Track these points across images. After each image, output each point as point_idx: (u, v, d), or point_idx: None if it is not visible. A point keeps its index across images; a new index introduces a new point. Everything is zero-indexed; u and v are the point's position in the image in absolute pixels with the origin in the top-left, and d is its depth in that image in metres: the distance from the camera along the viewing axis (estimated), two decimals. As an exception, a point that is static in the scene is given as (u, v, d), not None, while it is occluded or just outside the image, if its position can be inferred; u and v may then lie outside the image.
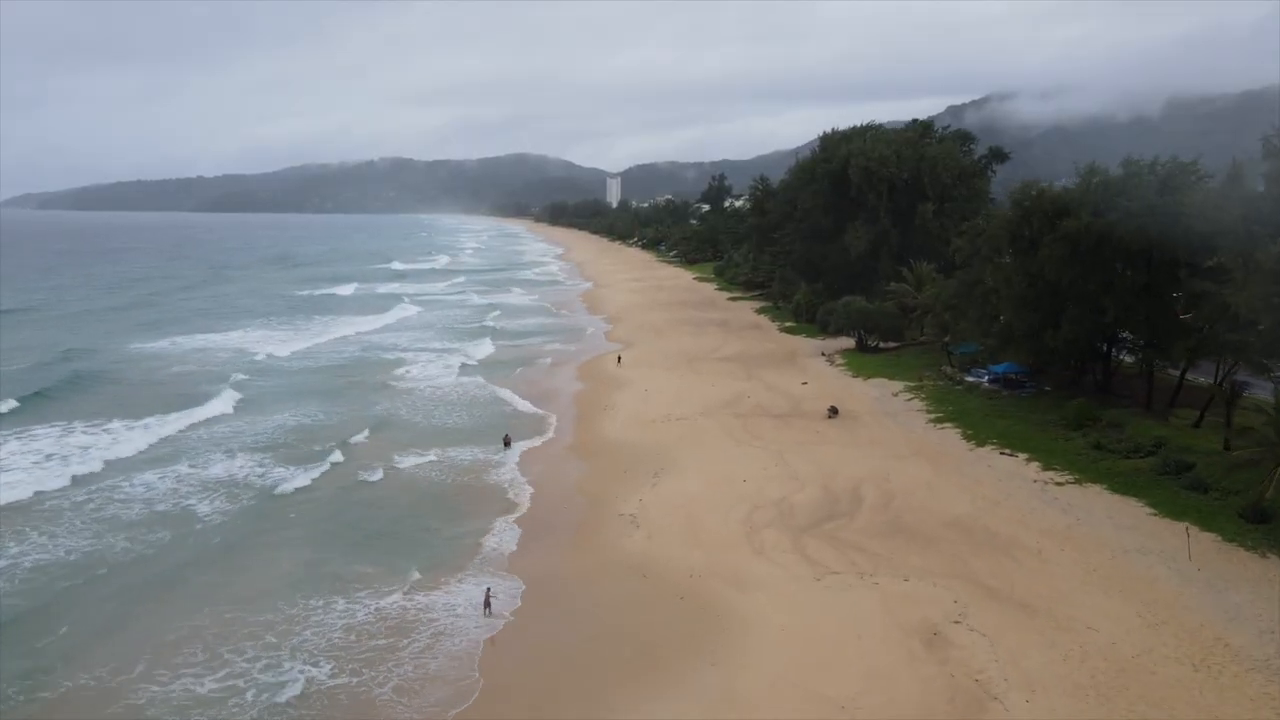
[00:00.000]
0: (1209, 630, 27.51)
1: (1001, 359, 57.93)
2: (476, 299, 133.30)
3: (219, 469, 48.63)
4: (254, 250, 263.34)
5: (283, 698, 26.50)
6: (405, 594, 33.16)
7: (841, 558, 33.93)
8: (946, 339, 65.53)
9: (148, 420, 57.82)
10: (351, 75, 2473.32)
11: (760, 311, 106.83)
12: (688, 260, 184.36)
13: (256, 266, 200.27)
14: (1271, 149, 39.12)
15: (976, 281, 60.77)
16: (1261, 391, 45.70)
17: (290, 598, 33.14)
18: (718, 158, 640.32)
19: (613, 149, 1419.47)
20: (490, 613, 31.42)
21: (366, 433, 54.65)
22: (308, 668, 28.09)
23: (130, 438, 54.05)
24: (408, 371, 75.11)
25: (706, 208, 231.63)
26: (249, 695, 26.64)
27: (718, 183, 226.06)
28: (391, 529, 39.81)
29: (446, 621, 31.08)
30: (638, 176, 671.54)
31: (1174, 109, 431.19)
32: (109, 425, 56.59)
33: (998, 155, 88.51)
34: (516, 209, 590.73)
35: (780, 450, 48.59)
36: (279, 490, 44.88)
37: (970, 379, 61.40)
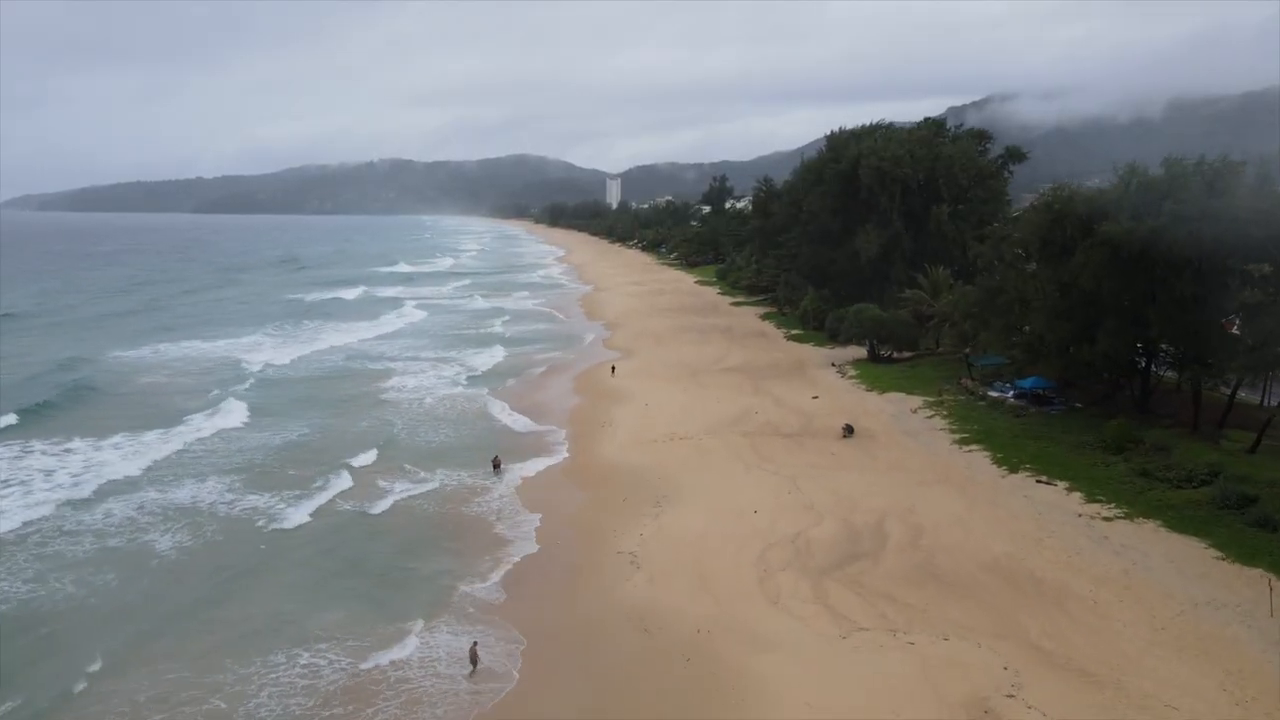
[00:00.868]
0: (1307, 708, 23.49)
1: (1029, 373, 53.86)
2: (476, 304, 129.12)
3: (185, 494, 44.62)
4: (258, 252, 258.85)
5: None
6: (380, 647, 29.21)
7: (869, 609, 29.88)
8: (967, 350, 61.51)
9: (118, 438, 54.02)
10: (351, 76, 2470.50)
11: (765, 318, 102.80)
12: (689, 263, 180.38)
13: (262, 269, 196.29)
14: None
15: (1000, 289, 56.78)
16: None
17: (245, 654, 29.14)
18: (718, 158, 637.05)
19: (612, 150, 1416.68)
20: (476, 671, 27.48)
21: (350, 454, 50.58)
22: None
23: (101, 460, 50.09)
24: (401, 383, 70.92)
25: (707, 209, 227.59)
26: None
27: (719, 183, 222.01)
28: (365, 569, 35.76)
29: (427, 685, 27.10)
30: (638, 177, 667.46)
31: (1175, 110, 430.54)
32: (71, 445, 52.70)
33: (1015, 155, 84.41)
34: (516, 210, 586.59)
35: (793, 475, 44.53)
36: (245, 523, 40.83)
37: (993, 393, 57.34)
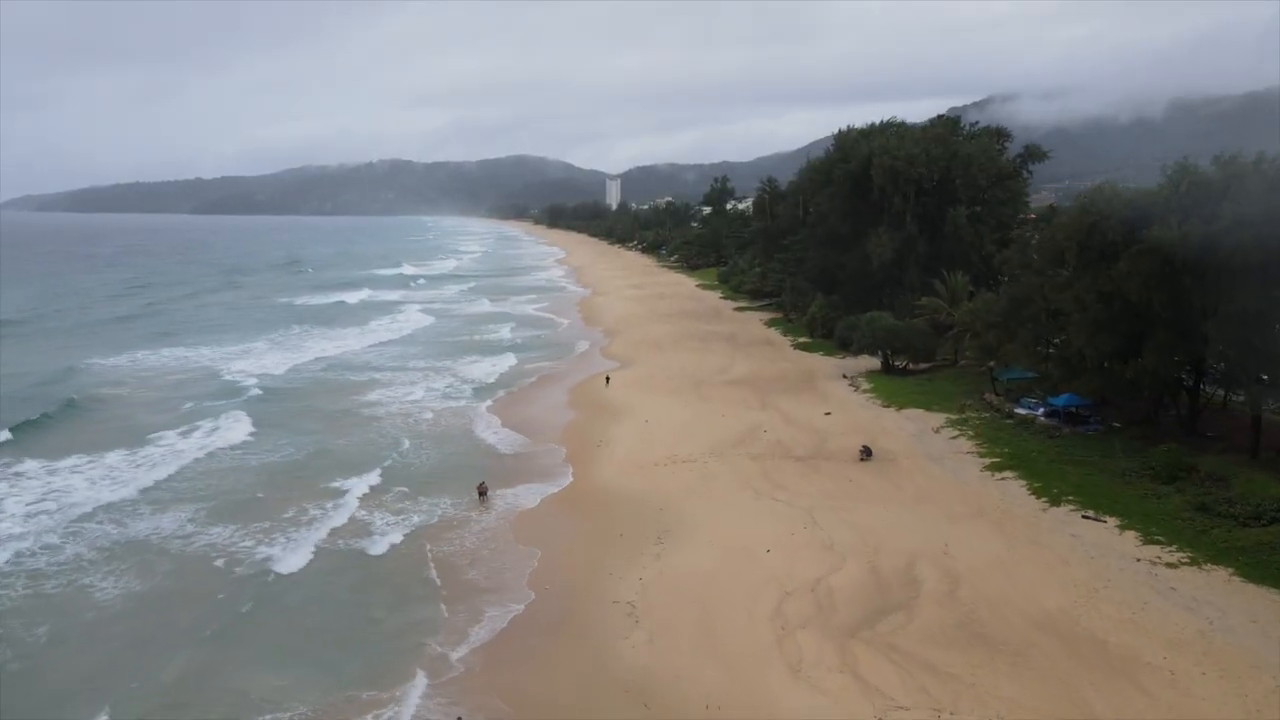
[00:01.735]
0: None
1: (1064, 389, 49.46)
2: (475, 308, 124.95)
3: (144, 527, 40.43)
4: (260, 254, 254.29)
5: None
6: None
7: (907, 681, 25.51)
8: (991, 363, 57.12)
9: (73, 460, 49.87)
10: (351, 76, 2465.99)
11: (770, 324, 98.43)
12: (690, 266, 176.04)
13: (264, 271, 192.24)
14: None
15: (1027, 298, 52.47)
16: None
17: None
18: (718, 159, 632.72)
19: (612, 151, 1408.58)
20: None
21: (330, 479, 46.35)
22: None
23: (65, 488, 45.82)
24: (389, 395, 66.58)
25: (708, 210, 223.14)
26: None
27: (720, 184, 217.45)
28: (321, 621, 31.43)
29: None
30: (637, 178, 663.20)
31: (1176, 111, 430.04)
32: (24, 467, 48.55)
33: (1034, 154, 79.88)
34: (515, 211, 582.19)
35: (809, 507, 40.18)
36: (200, 564, 36.53)
37: (1021, 411, 52.96)
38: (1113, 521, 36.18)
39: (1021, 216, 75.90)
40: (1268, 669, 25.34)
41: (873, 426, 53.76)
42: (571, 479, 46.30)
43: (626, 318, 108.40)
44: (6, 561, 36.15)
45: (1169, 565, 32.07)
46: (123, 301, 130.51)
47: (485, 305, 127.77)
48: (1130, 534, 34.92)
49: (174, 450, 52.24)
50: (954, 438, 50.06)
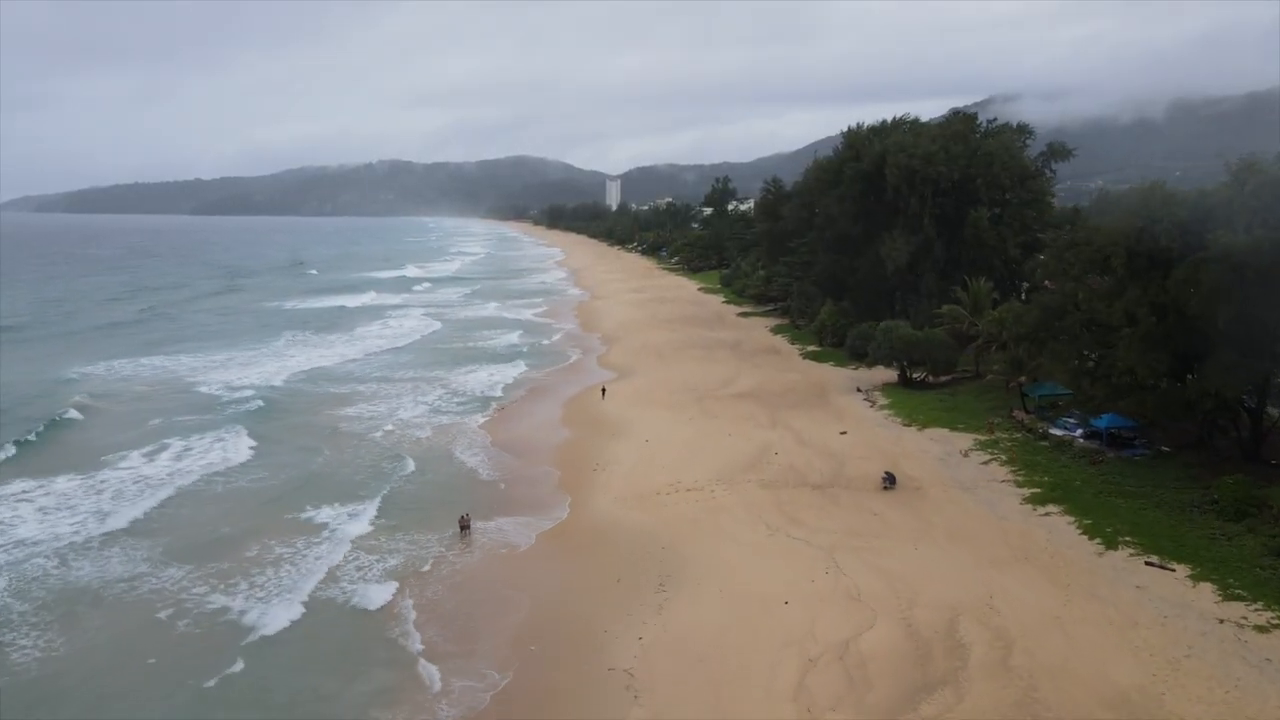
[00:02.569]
0: None
1: (1107, 408, 44.88)
2: (473, 312, 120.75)
3: (85, 570, 35.97)
4: (262, 255, 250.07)
5: None
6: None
7: (964, 786, 20.98)
8: (1021, 379, 52.55)
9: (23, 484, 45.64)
10: (350, 77, 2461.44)
11: (777, 331, 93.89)
12: (691, 268, 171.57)
13: (268, 274, 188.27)
14: None
15: (1063, 308, 47.90)
16: None
17: None
18: (718, 160, 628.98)
19: (612, 151, 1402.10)
20: None
21: (295, 511, 41.95)
22: None
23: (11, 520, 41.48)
24: (372, 410, 62.23)
25: (709, 211, 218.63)
26: None
27: (721, 184, 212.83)
28: (258, 694, 26.86)
29: None
30: (637, 179, 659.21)
31: (1178, 111, 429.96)
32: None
33: (1058, 152, 75.24)
34: (514, 212, 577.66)
35: (830, 546, 35.66)
36: (133, 616, 32.03)
37: (1056, 431, 48.41)
38: (1182, 570, 31.56)
39: (1048, 219, 71.12)
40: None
41: (894, 449, 49.24)
42: (565, 511, 41.74)
43: (626, 323, 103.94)
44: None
45: (1258, 629, 27.46)
46: (121, 305, 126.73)
47: (484, 310, 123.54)
48: (1205, 586, 30.31)
49: (140, 475, 48.02)
50: (985, 462, 45.48)
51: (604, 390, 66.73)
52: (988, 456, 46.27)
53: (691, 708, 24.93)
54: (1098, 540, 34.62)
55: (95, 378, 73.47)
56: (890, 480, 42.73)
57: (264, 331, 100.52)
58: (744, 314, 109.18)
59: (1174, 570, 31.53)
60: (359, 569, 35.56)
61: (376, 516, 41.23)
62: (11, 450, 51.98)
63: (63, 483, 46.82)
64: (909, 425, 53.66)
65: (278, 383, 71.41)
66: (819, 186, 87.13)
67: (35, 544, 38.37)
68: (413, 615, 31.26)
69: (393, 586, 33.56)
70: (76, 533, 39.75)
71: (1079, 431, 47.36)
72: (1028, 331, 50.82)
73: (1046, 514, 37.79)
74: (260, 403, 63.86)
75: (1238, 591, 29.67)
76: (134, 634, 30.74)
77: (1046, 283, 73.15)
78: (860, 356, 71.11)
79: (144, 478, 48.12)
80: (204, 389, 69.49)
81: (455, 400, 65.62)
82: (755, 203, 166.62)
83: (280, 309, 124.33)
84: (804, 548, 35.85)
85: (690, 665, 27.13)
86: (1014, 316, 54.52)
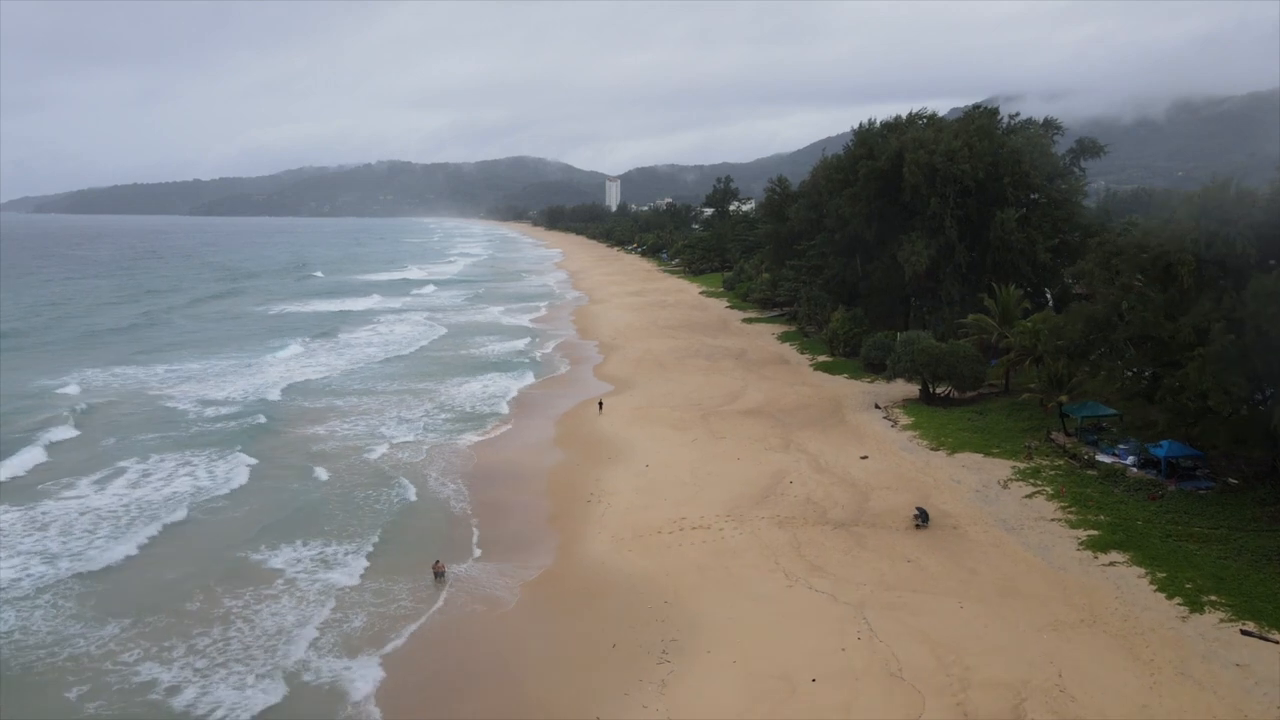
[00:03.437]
0: None
1: (1168, 435, 39.82)
2: (470, 317, 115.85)
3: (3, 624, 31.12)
4: (267, 257, 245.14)
5: None
6: None
7: None
8: (1062, 398, 47.45)
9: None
10: (349, 78, 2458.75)
11: (784, 339, 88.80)
12: (692, 270, 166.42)
13: (271, 276, 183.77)
14: None
15: (1110, 320, 42.89)
16: None
17: None
18: (718, 160, 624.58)
19: (612, 152, 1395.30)
20: None
21: (253, 552, 37.01)
22: None
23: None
24: (345, 429, 57.18)
25: (710, 211, 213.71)
26: None
27: (723, 185, 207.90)
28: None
29: None
30: (637, 180, 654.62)
31: (1179, 111, 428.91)
32: None
33: (1089, 149, 69.95)
34: (514, 213, 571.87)
35: (860, 602, 30.66)
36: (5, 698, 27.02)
37: (1103, 458, 43.34)
38: (1287, 640, 26.54)
39: (1079, 220, 66.01)
40: None
41: (922, 477, 44.20)
42: (553, 555, 36.70)
43: (625, 330, 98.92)
44: None
45: (1402, 728, 22.44)
46: (119, 310, 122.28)
47: (484, 314, 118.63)
48: (1321, 665, 25.28)
49: (89, 507, 43.25)
50: (1029, 496, 40.37)
51: (601, 404, 61.89)
52: (1030, 488, 41.18)
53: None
54: (1178, 600, 29.52)
55: (65, 394, 67.92)
56: (923, 518, 37.70)
57: (264, 338, 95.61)
58: (749, 320, 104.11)
59: (1274, 640, 26.47)
60: (315, 634, 30.41)
61: (342, 562, 36.24)
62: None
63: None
64: (937, 449, 48.58)
65: (272, 396, 66.25)
66: (829, 186, 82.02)
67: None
68: (376, 713, 26.01)
69: (349, 664, 28.39)
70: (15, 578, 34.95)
71: (1130, 459, 42.30)
72: (1069, 346, 45.79)
73: (1111, 563, 32.67)
74: (244, 421, 58.87)
75: (1363, 673, 24.62)
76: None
77: (1077, 289, 68.68)
78: (877, 369, 66.17)
79: (92, 509, 43.29)
80: (175, 404, 64.58)
81: (444, 416, 60.59)
82: (759, 203, 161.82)
83: (284, 313, 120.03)
84: (829, 604, 30.83)
85: (701, 770, 22.13)
86: (1051, 328, 49.46)
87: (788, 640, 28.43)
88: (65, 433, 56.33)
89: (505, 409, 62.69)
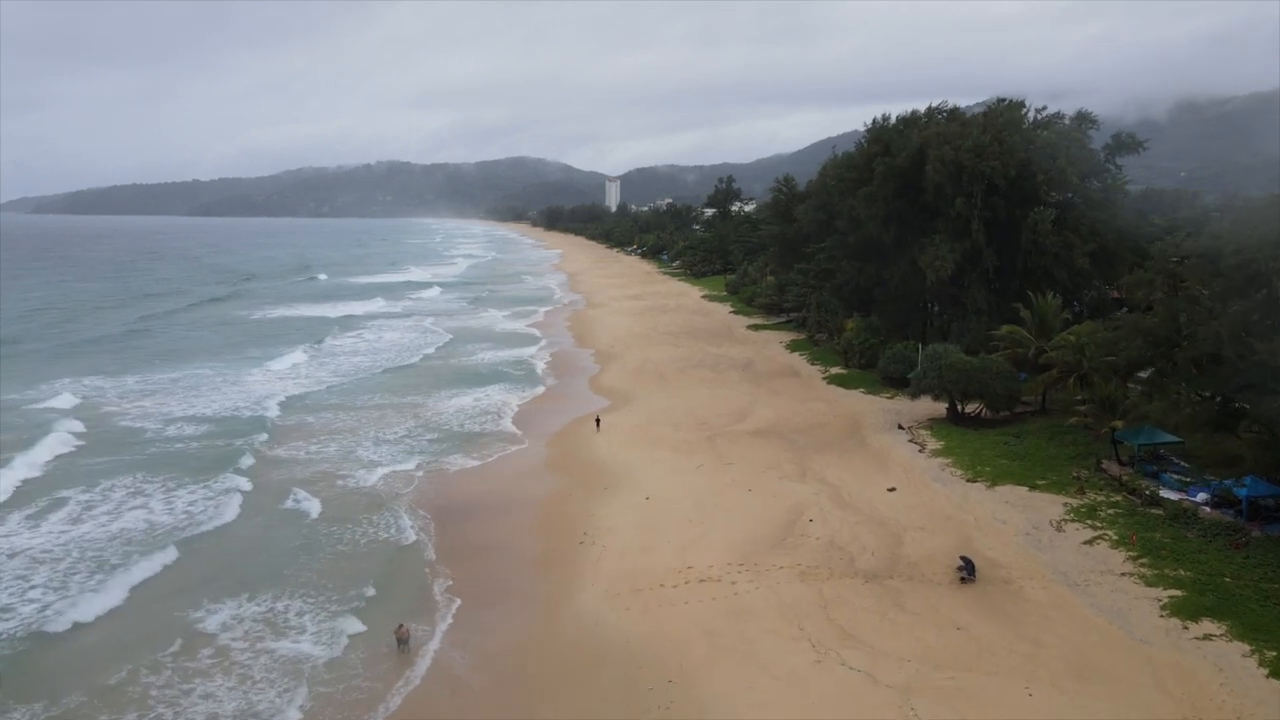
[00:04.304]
0: None
1: (1257, 471, 34.49)
2: (468, 321, 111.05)
3: None
4: (268, 259, 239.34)
5: None
6: None
7: None
8: (1116, 423, 42.00)
9: None
10: (349, 78, 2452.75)
11: (793, 348, 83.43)
12: (693, 273, 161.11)
13: (274, 278, 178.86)
14: None
15: (1173, 337, 37.57)
16: None
17: None
18: (719, 160, 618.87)
19: (612, 152, 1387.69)
20: None
21: (187, 607, 31.64)
22: None
23: None
24: (316, 450, 51.88)
25: (711, 212, 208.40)
26: None
27: (725, 185, 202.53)
28: None
29: None
30: (637, 180, 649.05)
31: (1181, 111, 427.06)
32: None
33: (1126, 144, 64.31)
34: (513, 213, 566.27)
35: (905, 686, 25.29)
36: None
37: (1168, 494, 37.97)
38: None
39: (1118, 223, 60.60)
40: None
41: (961, 515, 38.82)
42: (538, 614, 31.32)
43: (623, 337, 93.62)
44: None
45: None
46: (120, 313, 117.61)
47: (483, 318, 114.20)
48: None
49: (14, 548, 37.74)
50: (1088, 542, 34.95)
51: (598, 421, 56.68)
52: (1089, 531, 35.79)
53: None
54: (1296, 687, 24.17)
55: (52, 407, 62.26)
56: (969, 569, 32.35)
57: (264, 344, 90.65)
58: (754, 326, 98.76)
59: None
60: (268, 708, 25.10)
61: (294, 623, 30.90)
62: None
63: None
64: (974, 480, 43.15)
65: (267, 413, 60.67)
66: (840, 186, 76.65)
67: None
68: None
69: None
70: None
71: (1201, 495, 36.93)
72: (1124, 364, 40.43)
73: (1205, 636, 27.24)
74: (223, 443, 53.49)
75: None
76: None
77: (1114, 295, 63.27)
78: (896, 383, 60.84)
79: (18, 552, 37.91)
80: (127, 421, 59.26)
81: (429, 437, 55.05)
82: (763, 204, 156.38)
83: (285, 317, 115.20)
84: (868, 686, 25.48)
85: None
86: (1098, 342, 44.11)
87: (820, 738, 23.10)
88: (46, 452, 50.97)
89: (498, 427, 57.42)
